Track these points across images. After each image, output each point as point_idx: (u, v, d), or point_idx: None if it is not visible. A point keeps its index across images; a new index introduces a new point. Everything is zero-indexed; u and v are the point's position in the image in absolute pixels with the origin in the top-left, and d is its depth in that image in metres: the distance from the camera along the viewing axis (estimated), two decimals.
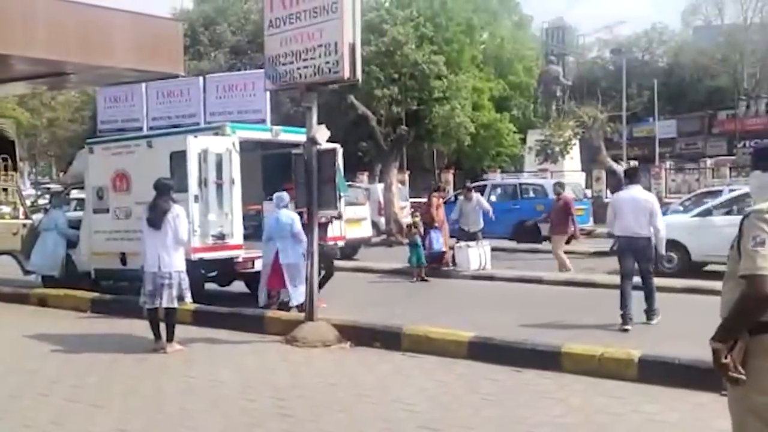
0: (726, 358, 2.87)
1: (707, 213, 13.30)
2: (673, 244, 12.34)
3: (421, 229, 13.38)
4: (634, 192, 8.96)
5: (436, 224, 13.67)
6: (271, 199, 11.62)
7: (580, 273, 12.92)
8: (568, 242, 13.92)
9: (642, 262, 8.86)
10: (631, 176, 9.51)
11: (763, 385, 2.87)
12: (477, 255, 13.54)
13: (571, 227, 13.31)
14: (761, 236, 2.82)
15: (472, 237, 13.91)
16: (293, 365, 7.02)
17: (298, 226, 9.08)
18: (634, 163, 26.48)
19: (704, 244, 12.48)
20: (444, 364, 6.92)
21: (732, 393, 2.98)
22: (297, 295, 9.14)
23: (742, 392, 2.90)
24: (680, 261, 13.02)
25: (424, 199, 15.91)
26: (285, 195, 9.50)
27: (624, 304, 8.62)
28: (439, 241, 13.51)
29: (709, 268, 12.55)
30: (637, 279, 8.89)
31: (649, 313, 8.89)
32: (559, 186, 14.15)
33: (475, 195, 14.54)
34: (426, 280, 12.93)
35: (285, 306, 9.47)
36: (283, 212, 9.33)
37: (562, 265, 13.14)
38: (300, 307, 9.03)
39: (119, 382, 6.49)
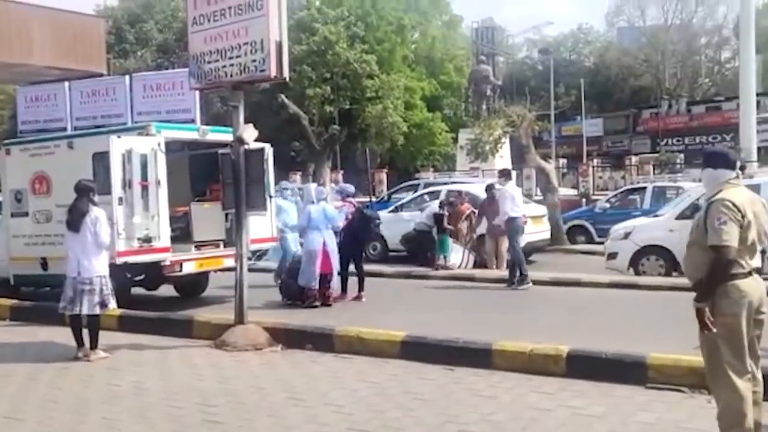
0: (706, 316, 4.05)
1: (398, 209, 16.65)
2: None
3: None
4: (512, 187, 12.81)
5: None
6: (199, 201, 11.46)
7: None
8: None
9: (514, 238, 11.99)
10: (507, 175, 12.96)
11: (722, 309, 4.09)
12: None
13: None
14: (723, 218, 4.03)
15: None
16: (222, 370, 6.87)
17: (340, 221, 10.51)
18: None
19: (396, 234, 15.29)
20: (376, 365, 6.88)
21: (702, 337, 4.17)
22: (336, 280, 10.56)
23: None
24: (381, 249, 15.92)
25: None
26: (324, 189, 11.13)
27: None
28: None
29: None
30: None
31: (523, 278, 11.47)
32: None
33: None
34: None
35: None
36: (327, 206, 10.59)
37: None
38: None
39: (39, 393, 6.25)
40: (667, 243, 12.08)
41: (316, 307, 10.12)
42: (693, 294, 4.26)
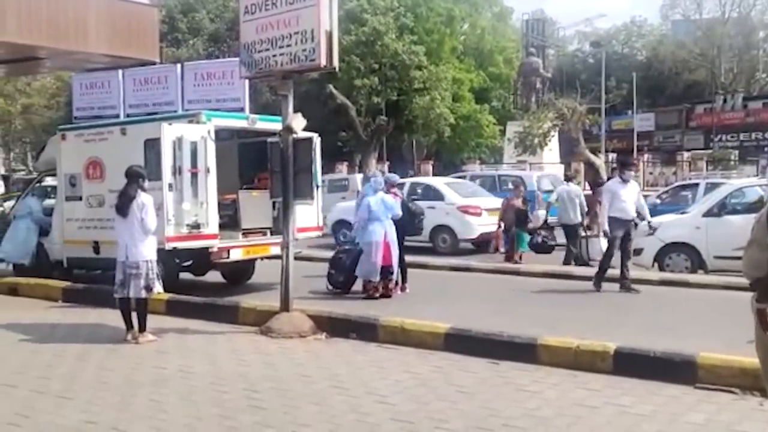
0: None
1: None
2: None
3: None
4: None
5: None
6: (247, 189, 11.56)
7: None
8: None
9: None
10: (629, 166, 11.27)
11: None
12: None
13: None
14: None
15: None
16: (267, 356, 6.93)
17: (399, 209, 10.29)
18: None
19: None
20: (420, 356, 6.86)
21: (760, 337, 3.82)
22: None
23: None
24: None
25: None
26: (381, 178, 10.59)
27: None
28: None
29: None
30: None
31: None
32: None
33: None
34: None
35: None
36: (385, 196, 10.27)
37: None
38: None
39: (89, 373, 6.38)
40: (694, 240, 11.81)
41: (376, 298, 10.02)
42: (746, 294, 4.14)
